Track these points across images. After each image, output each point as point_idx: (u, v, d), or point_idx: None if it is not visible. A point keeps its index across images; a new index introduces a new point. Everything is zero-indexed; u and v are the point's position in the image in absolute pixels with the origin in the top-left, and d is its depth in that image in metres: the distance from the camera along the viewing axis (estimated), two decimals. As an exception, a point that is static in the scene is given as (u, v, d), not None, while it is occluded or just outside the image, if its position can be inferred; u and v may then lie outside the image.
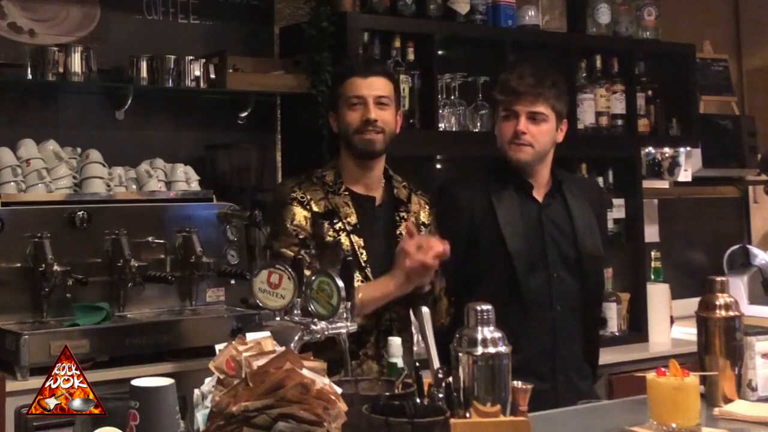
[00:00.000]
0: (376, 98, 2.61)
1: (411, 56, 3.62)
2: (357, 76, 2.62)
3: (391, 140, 2.65)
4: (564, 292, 2.71)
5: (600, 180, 4.14)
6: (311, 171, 2.69)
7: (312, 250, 2.52)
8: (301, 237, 2.55)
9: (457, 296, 2.66)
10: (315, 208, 2.58)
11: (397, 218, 2.68)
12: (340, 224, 2.58)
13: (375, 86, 2.62)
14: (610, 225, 4.10)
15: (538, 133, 2.67)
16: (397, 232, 2.65)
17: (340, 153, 2.70)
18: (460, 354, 1.82)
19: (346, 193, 2.62)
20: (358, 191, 2.65)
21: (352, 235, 2.57)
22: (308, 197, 2.59)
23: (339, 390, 1.61)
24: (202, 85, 3.54)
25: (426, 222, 2.73)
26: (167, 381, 1.61)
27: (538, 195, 2.76)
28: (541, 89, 2.66)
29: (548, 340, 2.68)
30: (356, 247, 2.56)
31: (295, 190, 2.60)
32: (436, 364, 1.90)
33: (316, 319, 2.04)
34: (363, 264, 2.55)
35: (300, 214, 2.57)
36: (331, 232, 2.56)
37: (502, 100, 2.72)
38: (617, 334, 4.08)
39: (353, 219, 2.59)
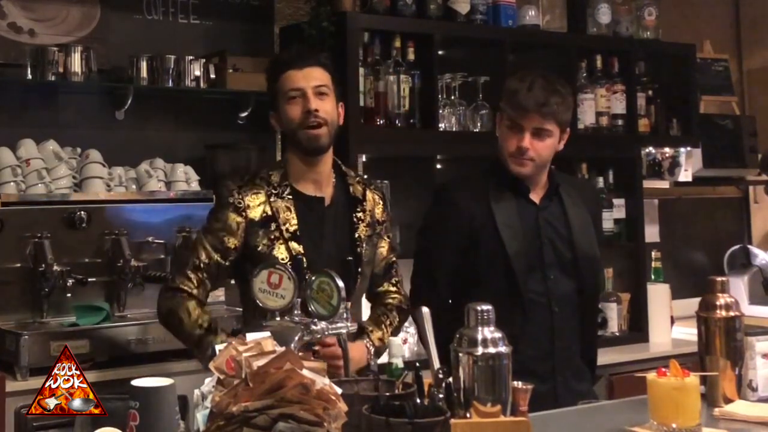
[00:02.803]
0: (315, 88, 2.52)
1: (411, 56, 3.62)
2: (292, 69, 2.53)
3: (336, 133, 2.58)
4: (561, 293, 2.71)
5: (600, 180, 4.14)
6: (258, 170, 2.63)
7: (226, 263, 2.50)
8: (225, 245, 2.50)
9: (456, 298, 2.66)
10: (251, 215, 2.50)
11: (355, 219, 2.60)
12: (277, 232, 2.51)
13: (312, 76, 2.54)
14: (611, 225, 4.10)
15: (542, 148, 2.66)
16: (356, 235, 2.59)
17: (287, 152, 2.63)
18: (460, 354, 1.82)
19: (290, 196, 2.54)
20: (306, 192, 2.57)
21: (290, 242, 2.49)
22: (246, 203, 2.51)
23: (339, 390, 1.61)
24: (202, 85, 3.54)
25: (380, 219, 2.68)
26: (167, 381, 1.61)
27: (536, 197, 2.76)
28: (549, 108, 2.62)
29: (546, 342, 2.68)
30: (294, 254, 2.48)
31: (234, 194, 2.52)
32: (436, 364, 1.89)
33: (316, 319, 2.04)
34: (304, 271, 2.40)
35: (233, 220, 2.50)
36: (264, 241, 2.49)
37: (509, 112, 2.71)
38: (617, 334, 4.08)
39: (293, 225, 2.51)
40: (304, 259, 2.48)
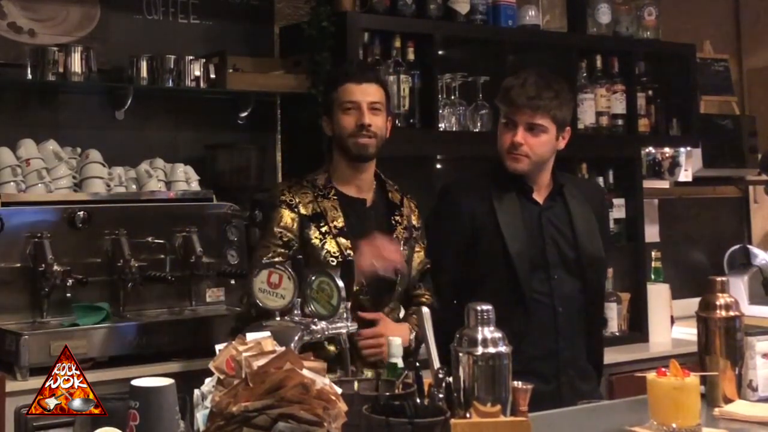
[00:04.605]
0: (370, 104, 2.69)
1: (411, 56, 3.61)
2: (351, 82, 2.70)
3: (383, 145, 2.73)
4: (565, 293, 2.71)
5: (600, 180, 4.14)
6: (304, 175, 2.77)
7: (291, 252, 2.60)
8: (285, 239, 2.64)
9: (459, 298, 2.67)
10: (303, 211, 2.66)
11: (393, 222, 2.74)
12: (326, 227, 2.64)
13: (368, 92, 2.70)
14: (611, 225, 4.08)
15: (536, 144, 2.67)
16: (394, 235, 2.71)
17: (333, 156, 2.77)
18: (461, 354, 1.82)
19: (335, 196, 2.69)
20: (349, 193, 2.72)
21: (338, 238, 2.64)
22: (297, 200, 2.67)
23: (339, 390, 1.61)
24: (202, 85, 3.53)
25: (416, 225, 2.79)
26: (167, 381, 1.61)
27: (539, 197, 2.76)
28: (541, 101, 2.65)
29: (551, 342, 2.68)
30: (343, 249, 2.61)
31: (285, 193, 2.69)
32: (436, 364, 1.89)
33: (316, 319, 2.04)
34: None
35: (287, 216, 2.66)
36: (316, 235, 2.63)
37: (502, 108, 2.72)
38: (617, 334, 4.07)
39: (340, 222, 2.66)
40: (353, 253, 2.60)
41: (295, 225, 2.65)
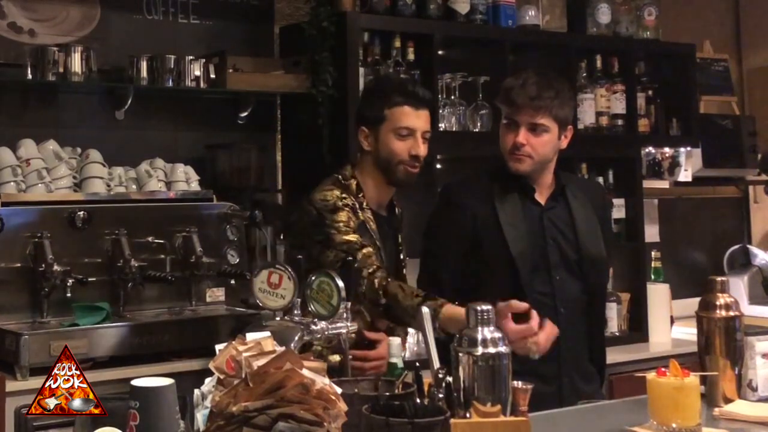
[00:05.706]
0: (423, 133, 2.64)
1: (411, 56, 3.62)
2: (410, 106, 2.63)
3: None
4: (567, 294, 2.70)
5: (600, 180, 4.14)
6: (334, 177, 2.69)
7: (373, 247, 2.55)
8: (356, 239, 2.56)
9: (461, 299, 2.66)
10: (361, 216, 2.62)
11: (399, 239, 2.76)
12: (371, 237, 2.62)
13: (424, 120, 2.65)
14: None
15: (538, 144, 2.66)
16: (401, 256, 2.72)
17: (362, 167, 2.71)
18: (460, 354, 1.82)
19: (369, 209, 2.66)
20: (375, 209, 2.70)
21: (381, 251, 2.62)
22: (356, 204, 2.61)
23: (339, 390, 1.61)
24: (202, 85, 3.54)
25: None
26: (167, 381, 1.61)
27: (541, 198, 2.76)
28: (541, 101, 2.64)
29: (552, 343, 2.67)
30: (383, 262, 2.60)
31: (344, 197, 2.61)
32: (436, 364, 1.89)
33: (316, 319, 2.04)
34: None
35: (351, 219, 2.58)
36: (370, 243, 2.59)
37: (503, 109, 2.72)
38: (617, 334, 4.08)
39: (378, 236, 2.64)
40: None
41: (355, 227, 2.57)
